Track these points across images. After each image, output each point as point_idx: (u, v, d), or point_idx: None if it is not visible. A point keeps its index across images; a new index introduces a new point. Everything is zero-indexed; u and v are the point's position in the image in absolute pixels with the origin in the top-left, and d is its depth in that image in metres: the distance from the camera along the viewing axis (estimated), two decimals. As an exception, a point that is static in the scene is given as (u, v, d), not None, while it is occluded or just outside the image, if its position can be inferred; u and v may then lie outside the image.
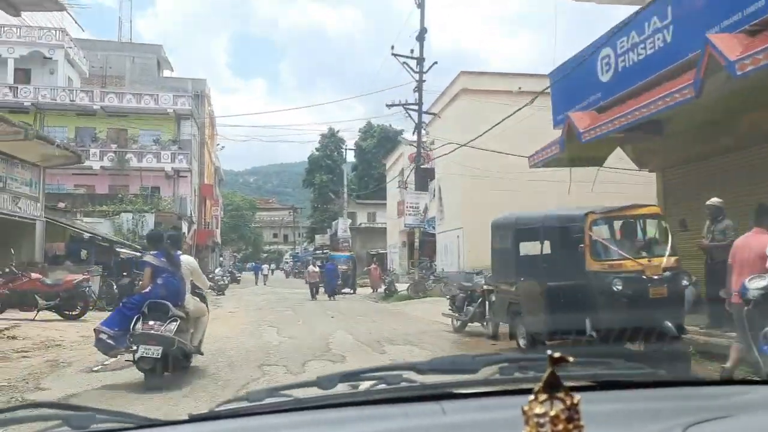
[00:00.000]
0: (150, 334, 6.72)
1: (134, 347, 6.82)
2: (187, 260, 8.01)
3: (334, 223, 56.10)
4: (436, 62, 23.83)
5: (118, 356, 7.92)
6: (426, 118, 25.64)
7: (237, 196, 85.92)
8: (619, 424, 1.11)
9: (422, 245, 38.33)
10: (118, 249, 23.18)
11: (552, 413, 0.77)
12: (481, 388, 1.28)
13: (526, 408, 0.77)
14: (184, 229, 34.41)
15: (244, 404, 1.21)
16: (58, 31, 36.17)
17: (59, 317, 13.95)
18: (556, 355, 0.81)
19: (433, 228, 28.67)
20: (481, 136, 20.76)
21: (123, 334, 7.01)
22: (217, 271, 35.42)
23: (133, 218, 29.79)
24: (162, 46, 45.43)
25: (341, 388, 1.26)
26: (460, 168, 23.84)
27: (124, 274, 20.00)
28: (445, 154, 23.43)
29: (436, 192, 27.55)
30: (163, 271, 7.37)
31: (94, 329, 7.36)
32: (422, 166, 23.48)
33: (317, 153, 67.36)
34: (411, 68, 23.37)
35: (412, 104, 23.87)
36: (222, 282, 31.08)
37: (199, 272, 8.26)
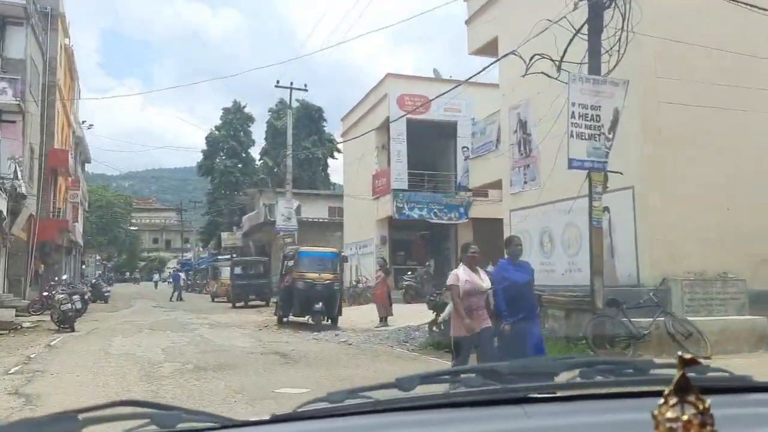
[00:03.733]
0: None
1: None
2: None
3: (245, 218, 40.47)
4: None
5: None
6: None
7: (108, 191, 67.12)
8: (739, 426, 0.99)
9: (400, 244, 24.10)
10: None
11: (684, 418, 0.70)
12: (561, 391, 1.15)
13: (656, 412, 0.71)
14: (0, 206, 17.96)
15: (325, 405, 1.14)
16: None
17: None
18: (687, 356, 0.75)
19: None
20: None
21: None
22: (65, 279, 18.84)
23: None
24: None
25: (420, 390, 1.15)
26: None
27: None
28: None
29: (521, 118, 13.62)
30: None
31: None
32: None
33: (218, 133, 51.07)
34: None
35: None
36: (67, 306, 15.16)
37: None
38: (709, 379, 1.24)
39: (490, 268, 16.50)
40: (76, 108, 37.74)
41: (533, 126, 13.28)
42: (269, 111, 51.51)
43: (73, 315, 15.44)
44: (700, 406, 0.71)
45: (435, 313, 11.65)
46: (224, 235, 42.17)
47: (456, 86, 16.82)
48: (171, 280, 34.40)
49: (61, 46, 28.99)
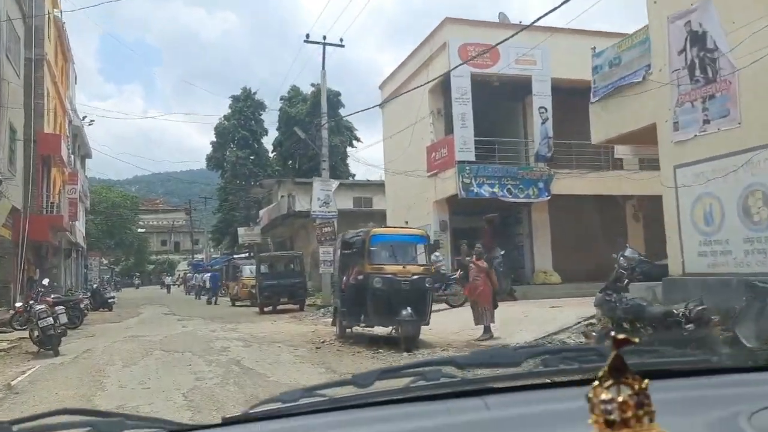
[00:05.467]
0: None
1: None
2: None
3: (263, 211, 36.02)
4: None
5: None
6: None
7: (113, 191, 62.74)
8: (679, 412, 0.97)
9: (463, 230, 18.83)
10: None
11: (620, 399, 0.67)
12: (524, 381, 1.13)
13: (590, 394, 0.69)
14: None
15: (278, 405, 1.07)
16: None
17: None
18: (620, 336, 0.71)
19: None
20: None
21: None
22: (46, 284, 14.09)
23: None
24: None
25: (379, 385, 1.08)
26: None
27: None
28: None
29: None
30: None
31: None
32: None
33: (227, 123, 46.63)
34: None
35: None
36: (47, 321, 10.71)
37: None
38: (674, 362, 1.25)
39: (630, 251, 11.98)
40: (72, 94, 33.39)
41: (721, 36, 8.78)
42: (281, 99, 47.10)
43: (57, 334, 11.01)
44: (636, 387, 0.68)
45: (618, 324, 7.23)
46: (241, 230, 37.65)
47: (547, 13, 12.55)
48: (207, 281, 30.68)
49: (49, 18, 24.61)
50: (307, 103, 45.39)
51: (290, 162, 46.29)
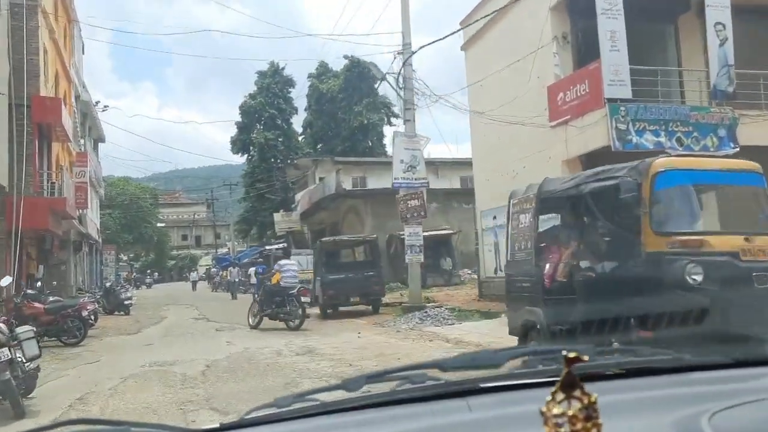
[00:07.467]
0: None
1: None
2: None
3: (301, 194, 30.88)
4: None
5: None
6: None
7: (132, 184, 58.08)
8: (643, 412, 1.01)
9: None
10: None
11: (570, 413, 0.71)
12: (505, 381, 1.14)
13: (544, 409, 0.72)
14: None
15: (272, 410, 1.11)
16: None
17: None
18: (571, 354, 0.74)
19: None
20: None
21: None
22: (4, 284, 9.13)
23: None
24: None
25: (367, 389, 1.11)
26: None
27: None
28: None
29: None
30: None
31: None
32: None
33: (253, 101, 41.58)
34: None
35: None
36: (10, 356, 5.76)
37: None
38: (648, 361, 1.25)
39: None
40: (79, 64, 28.48)
41: None
42: (309, 76, 42.09)
43: (22, 376, 5.99)
44: (585, 401, 0.71)
45: None
46: (277, 216, 32.54)
47: None
48: (252, 275, 25.55)
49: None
50: (340, 78, 40.30)
51: (320, 145, 41.37)
